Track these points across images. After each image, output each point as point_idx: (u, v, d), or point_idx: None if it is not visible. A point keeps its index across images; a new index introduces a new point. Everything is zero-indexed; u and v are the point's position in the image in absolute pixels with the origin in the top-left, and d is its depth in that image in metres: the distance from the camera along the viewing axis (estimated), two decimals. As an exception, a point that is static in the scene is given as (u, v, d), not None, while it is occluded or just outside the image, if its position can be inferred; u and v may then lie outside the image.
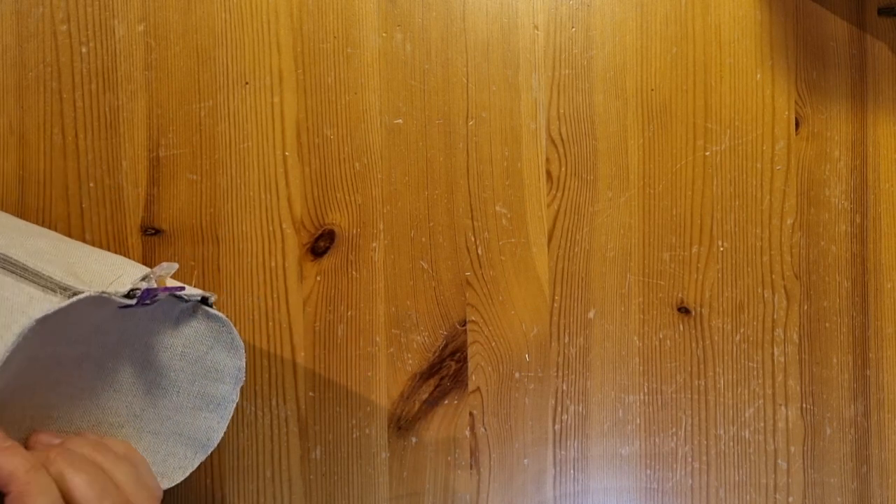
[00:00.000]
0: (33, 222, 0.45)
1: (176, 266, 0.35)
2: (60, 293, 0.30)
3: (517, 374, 0.47)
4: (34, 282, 0.31)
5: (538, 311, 0.47)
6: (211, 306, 0.37)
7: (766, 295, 0.48)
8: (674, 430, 0.48)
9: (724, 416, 0.48)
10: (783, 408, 0.48)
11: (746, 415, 0.48)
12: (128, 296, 0.32)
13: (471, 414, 0.47)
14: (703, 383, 0.48)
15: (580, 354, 0.47)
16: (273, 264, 0.46)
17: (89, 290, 0.30)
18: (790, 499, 0.48)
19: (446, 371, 0.47)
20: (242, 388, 0.45)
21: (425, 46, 0.47)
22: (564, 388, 0.47)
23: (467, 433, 0.47)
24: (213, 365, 0.37)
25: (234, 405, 0.38)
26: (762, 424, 0.48)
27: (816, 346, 0.48)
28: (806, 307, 0.48)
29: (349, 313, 0.46)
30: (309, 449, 0.46)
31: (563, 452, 0.47)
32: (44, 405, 0.35)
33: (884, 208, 0.48)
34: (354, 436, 0.46)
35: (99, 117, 0.45)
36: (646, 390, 0.47)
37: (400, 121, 0.47)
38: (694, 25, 0.48)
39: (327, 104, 0.46)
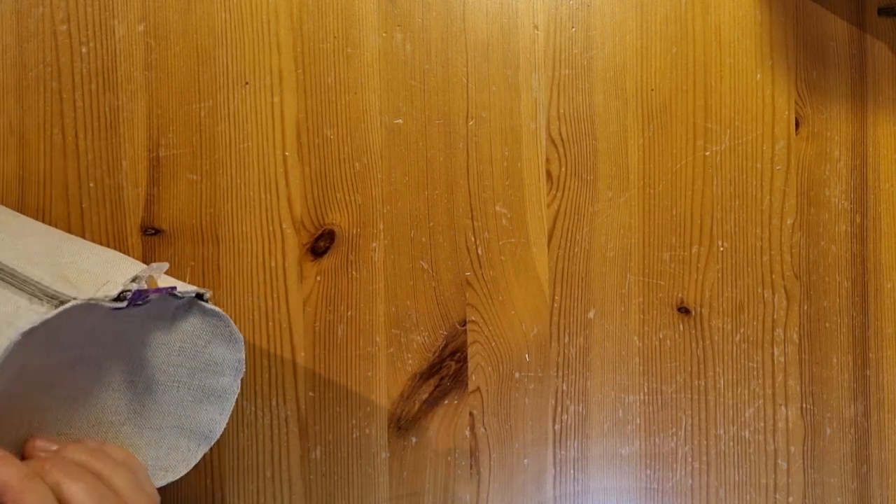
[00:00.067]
0: (33, 222, 0.45)
1: (166, 265, 0.35)
2: (48, 302, 0.30)
3: (517, 374, 0.47)
4: (22, 289, 0.31)
5: (538, 311, 0.47)
6: (206, 302, 0.37)
7: (766, 295, 0.48)
8: (674, 430, 0.48)
9: (724, 416, 0.48)
10: (783, 408, 0.48)
11: (746, 415, 0.48)
12: (118, 299, 0.32)
13: (471, 414, 0.47)
14: (703, 383, 0.48)
15: (580, 354, 0.47)
16: (273, 264, 0.46)
17: (77, 297, 0.30)
18: (790, 499, 0.48)
19: (446, 371, 0.47)
20: (242, 388, 0.45)
21: (425, 46, 0.47)
22: (564, 388, 0.47)
23: (467, 433, 0.47)
24: (213, 358, 0.37)
25: (236, 396, 0.38)
26: (762, 424, 0.48)
27: (816, 346, 0.48)
28: (806, 307, 0.48)
29: (349, 313, 0.46)
30: (309, 449, 0.46)
31: (563, 452, 0.47)
32: (38, 408, 0.35)
33: (884, 208, 0.48)
34: (354, 436, 0.46)
35: (99, 117, 0.45)
36: (646, 390, 0.47)
37: (400, 121, 0.47)
38: (694, 25, 0.48)
39: (327, 104, 0.46)
